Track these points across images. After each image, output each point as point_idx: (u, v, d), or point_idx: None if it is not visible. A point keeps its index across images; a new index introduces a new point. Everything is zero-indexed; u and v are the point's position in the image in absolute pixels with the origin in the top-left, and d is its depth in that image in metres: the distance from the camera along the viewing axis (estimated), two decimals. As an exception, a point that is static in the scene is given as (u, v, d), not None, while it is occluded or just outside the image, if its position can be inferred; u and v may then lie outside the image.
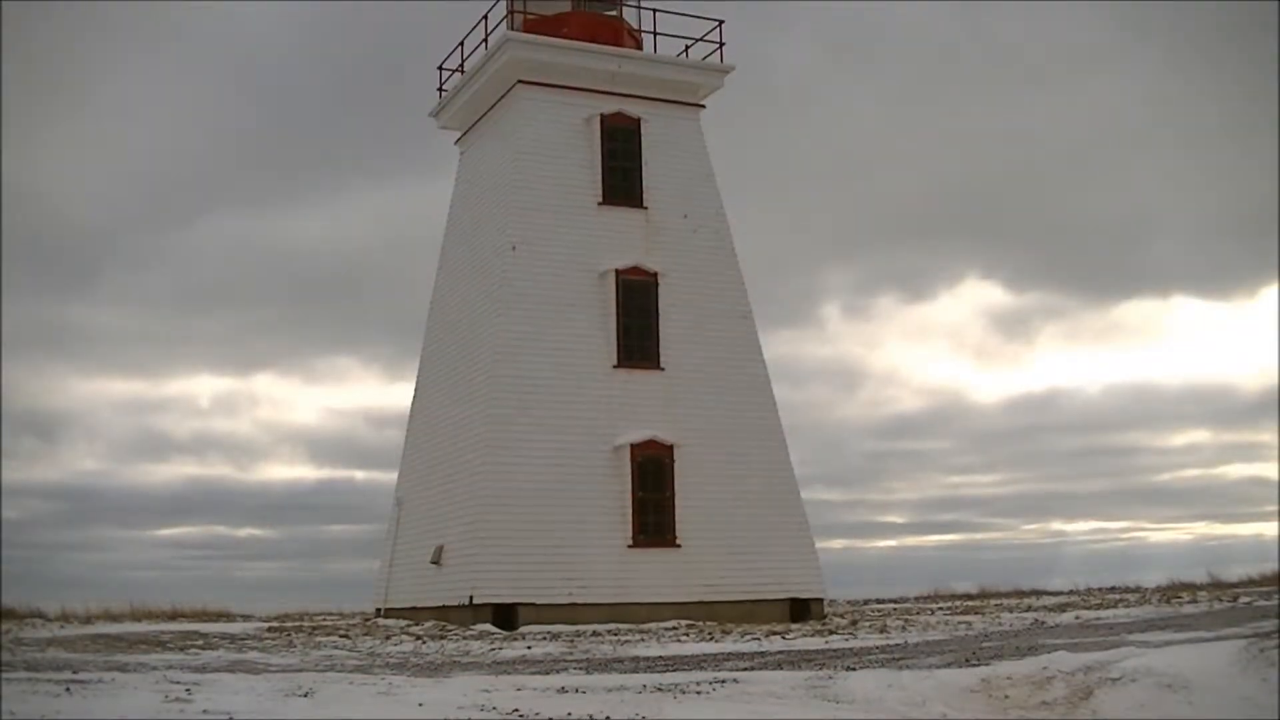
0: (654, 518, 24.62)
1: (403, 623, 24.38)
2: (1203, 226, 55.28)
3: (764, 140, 47.27)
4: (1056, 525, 60.20)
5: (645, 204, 26.22)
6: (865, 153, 55.48)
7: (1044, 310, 62.35)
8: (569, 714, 9.60)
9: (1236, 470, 63.51)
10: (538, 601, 23.24)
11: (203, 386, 62.00)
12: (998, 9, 55.43)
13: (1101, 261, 58.97)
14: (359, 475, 59.37)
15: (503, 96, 26.72)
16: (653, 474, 24.71)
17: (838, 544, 46.88)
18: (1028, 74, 55.86)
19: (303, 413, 62.11)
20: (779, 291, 48.88)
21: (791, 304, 51.79)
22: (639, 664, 14.60)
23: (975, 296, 62.36)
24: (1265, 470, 58.48)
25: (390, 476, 29.52)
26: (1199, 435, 61.73)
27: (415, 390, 28.73)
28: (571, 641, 19.06)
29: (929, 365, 62.93)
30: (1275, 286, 57.85)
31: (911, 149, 56.14)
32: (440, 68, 29.24)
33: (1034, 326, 62.48)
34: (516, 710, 9.76)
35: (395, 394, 57.37)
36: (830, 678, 11.80)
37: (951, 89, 56.43)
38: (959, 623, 22.08)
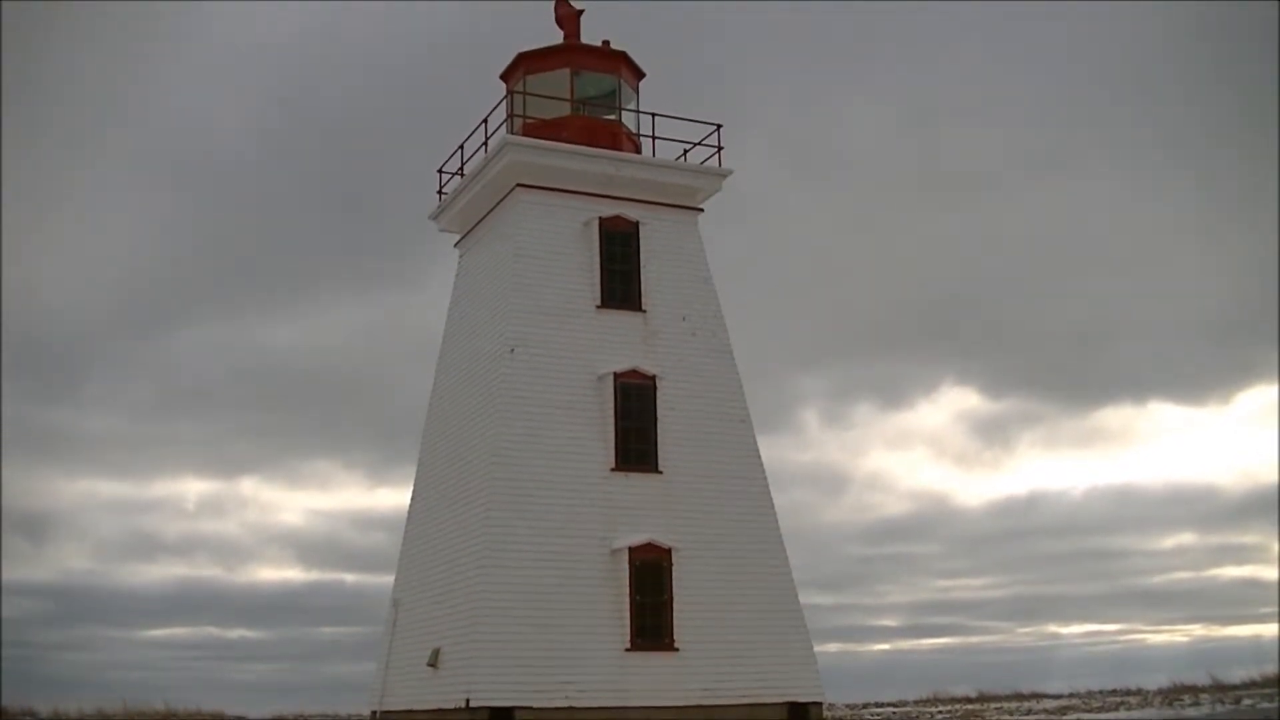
0: (652, 621, 24.44)
1: (398, 728, 24.15)
2: (1173, 334, 56.03)
3: (735, 249, 47.79)
4: (1051, 628, 60.07)
5: (644, 307, 26.39)
6: (833, 262, 56.04)
7: (1021, 416, 63.14)
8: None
9: (1229, 572, 63.55)
10: (534, 705, 23.02)
11: (189, 488, 62.05)
12: (966, 120, 56.50)
13: (1075, 368, 59.72)
14: (349, 578, 59.23)
15: (502, 199, 27.02)
16: (650, 577, 24.57)
17: (832, 647, 46.68)
18: (994, 184, 56.71)
19: (289, 515, 62.07)
20: (756, 397, 48.94)
21: (769, 410, 52.10)
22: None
23: (952, 403, 62.87)
24: (1258, 572, 58.56)
25: (379, 579, 29.48)
26: (1186, 538, 62.03)
27: (413, 492, 28.66)
28: (570, 749, 18.86)
29: (911, 470, 63.16)
30: (1249, 392, 58.42)
31: (879, 260, 56.82)
32: (440, 170, 29.63)
33: (1012, 432, 63.01)
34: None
35: (379, 498, 57.56)
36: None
37: (917, 200, 57.21)
38: (960, 729, 21.90)
